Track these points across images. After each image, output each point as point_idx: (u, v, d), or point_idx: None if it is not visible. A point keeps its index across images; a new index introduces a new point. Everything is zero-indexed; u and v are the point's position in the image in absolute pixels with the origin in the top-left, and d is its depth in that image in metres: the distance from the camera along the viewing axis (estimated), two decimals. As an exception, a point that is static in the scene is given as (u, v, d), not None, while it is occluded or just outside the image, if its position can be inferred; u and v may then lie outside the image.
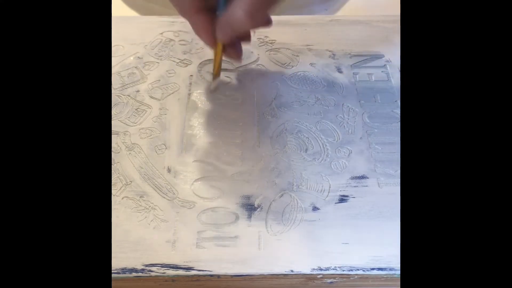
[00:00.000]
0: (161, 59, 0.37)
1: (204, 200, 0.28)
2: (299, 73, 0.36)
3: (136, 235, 0.26)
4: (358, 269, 0.25)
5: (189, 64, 0.36)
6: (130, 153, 0.30)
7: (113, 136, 0.31)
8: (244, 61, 0.36)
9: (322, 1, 0.52)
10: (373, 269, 0.25)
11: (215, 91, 0.34)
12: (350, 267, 0.25)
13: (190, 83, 0.35)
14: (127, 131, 0.32)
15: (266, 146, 0.31)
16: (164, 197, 0.28)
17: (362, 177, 0.29)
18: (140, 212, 0.27)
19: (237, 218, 0.27)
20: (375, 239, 0.26)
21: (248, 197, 0.28)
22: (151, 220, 0.27)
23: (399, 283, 0.25)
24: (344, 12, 0.57)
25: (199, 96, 0.34)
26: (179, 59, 0.37)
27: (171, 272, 0.25)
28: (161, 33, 0.39)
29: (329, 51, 0.38)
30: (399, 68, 0.36)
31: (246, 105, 0.34)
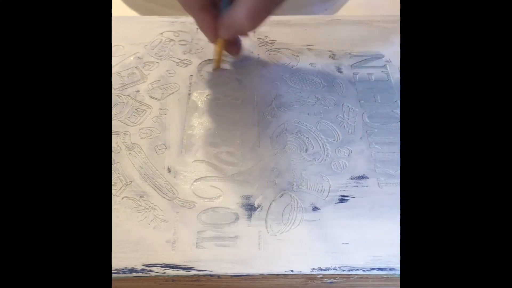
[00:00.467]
0: (161, 59, 0.37)
1: (204, 200, 0.28)
2: (299, 73, 0.36)
3: (136, 235, 0.26)
4: (358, 269, 0.25)
5: (189, 64, 0.36)
6: (130, 153, 0.30)
7: (113, 136, 0.31)
8: (244, 61, 0.37)
9: (322, 1, 0.52)
10: (373, 269, 0.25)
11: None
12: (350, 267, 0.25)
13: (190, 83, 0.35)
14: (127, 131, 0.32)
15: (266, 146, 0.31)
16: (164, 197, 0.28)
17: (362, 177, 0.29)
18: (140, 212, 0.27)
19: (237, 218, 0.27)
20: (375, 239, 0.26)
21: (248, 197, 0.28)
22: (151, 220, 0.27)
23: (399, 283, 0.25)
24: (344, 12, 0.57)
25: (199, 96, 0.34)
26: (179, 59, 0.37)
27: (171, 272, 0.25)
28: (161, 33, 0.39)
29: (329, 51, 0.38)
30: (399, 68, 0.36)
31: (246, 105, 0.34)
